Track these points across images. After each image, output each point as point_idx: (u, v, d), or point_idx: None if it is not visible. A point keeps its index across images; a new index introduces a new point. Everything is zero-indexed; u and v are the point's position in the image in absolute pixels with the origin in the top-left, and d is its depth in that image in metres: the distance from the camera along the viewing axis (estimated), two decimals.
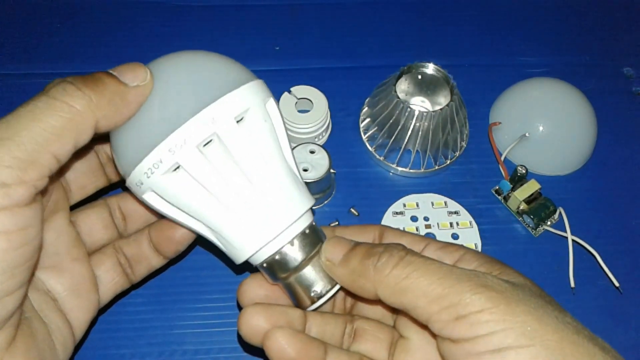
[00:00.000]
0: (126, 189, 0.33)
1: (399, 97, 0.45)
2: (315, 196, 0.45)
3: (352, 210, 0.46)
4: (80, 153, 0.32)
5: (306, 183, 0.43)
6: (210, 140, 0.29)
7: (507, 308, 0.25)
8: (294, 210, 0.31)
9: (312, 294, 0.31)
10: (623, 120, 0.52)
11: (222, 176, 0.29)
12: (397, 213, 0.46)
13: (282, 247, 0.31)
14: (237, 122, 0.30)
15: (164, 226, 0.35)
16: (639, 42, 0.57)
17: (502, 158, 0.48)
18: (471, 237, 0.45)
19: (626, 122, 0.52)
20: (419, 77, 0.48)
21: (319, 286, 0.31)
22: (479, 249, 0.44)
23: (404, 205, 0.46)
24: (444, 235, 0.45)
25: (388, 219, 0.45)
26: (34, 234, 0.27)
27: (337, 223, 0.45)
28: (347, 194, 0.47)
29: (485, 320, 0.25)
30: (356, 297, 0.33)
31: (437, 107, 0.47)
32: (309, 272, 0.31)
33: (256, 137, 0.30)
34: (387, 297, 0.28)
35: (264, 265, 0.31)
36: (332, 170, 0.44)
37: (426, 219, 0.45)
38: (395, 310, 0.33)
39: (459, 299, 0.25)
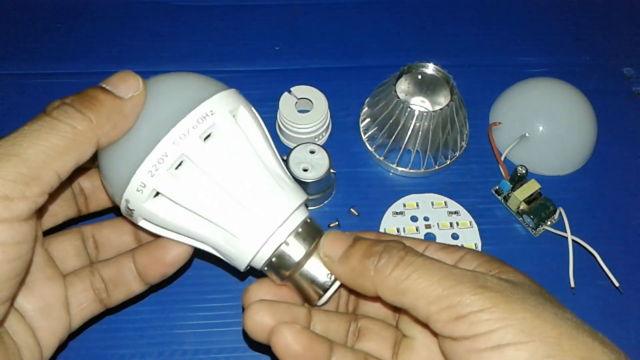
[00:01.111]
0: (108, 215, 0.33)
1: (399, 97, 0.45)
2: (315, 196, 0.45)
3: (352, 210, 0.46)
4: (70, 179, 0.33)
5: (306, 183, 0.43)
6: (182, 162, 0.30)
7: (507, 306, 0.25)
8: (288, 205, 0.31)
9: (319, 287, 0.32)
10: (623, 120, 0.52)
11: (199, 194, 0.30)
12: (397, 213, 0.46)
13: (282, 243, 0.31)
14: (205, 139, 0.30)
15: (153, 248, 0.35)
16: (639, 42, 0.57)
17: (502, 158, 0.48)
18: (471, 237, 0.45)
19: (626, 122, 0.52)
20: (419, 77, 0.48)
21: (324, 278, 0.32)
22: (479, 249, 0.44)
23: (404, 205, 0.46)
24: (444, 236, 0.45)
25: (388, 219, 0.45)
26: (27, 249, 0.27)
27: (337, 223, 0.45)
28: (347, 194, 0.47)
29: (485, 319, 0.25)
30: (356, 294, 0.33)
31: (437, 107, 0.47)
32: (313, 265, 0.32)
33: (227, 149, 0.30)
34: (387, 297, 0.28)
35: (271, 261, 0.31)
36: (332, 170, 0.44)
37: (426, 219, 0.45)
38: (396, 309, 0.33)
39: (458, 300, 0.26)
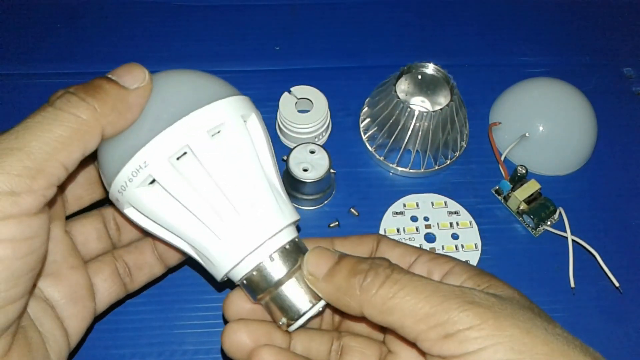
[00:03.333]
0: None
1: (399, 97, 0.45)
2: (315, 196, 0.45)
3: (352, 210, 0.46)
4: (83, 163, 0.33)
5: (306, 183, 0.43)
6: (184, 153, 0.29)
7: (496, 323, 0.25)
8: (272, 225, 0.30)
9: (292, 314, 0.30)
10: (623, 120, 0.52)
11: (194, 189, 0.29)
12: (397, 213, 0.46)
13: (260, 263, 0.30)
14: (212, 135, 0.30)
15: None
16: (639, 42, 0.57)
17: (502, 158, 0.48)
18: (471, 237, 0.45)
19: (626, 122, 0.52)
20: (419, 77, 0.48)
21: (298, 306, 0.30)
22: (479, 249, 0.44)
23: (404, 205, 0.46)
24: (444, 235, 0.45)
25: (388, 219, 0.45)
26: (39, 244, 0.27)
27: (337, 223, 0.45)
28: (347, 194, 0.47)
29: (474, 337, 0.25)
30: (341, 313, 0.33)
31: (437, 107, 0.47)
32: (289, 290, 0.30)
33: (232, 150, 0.30)
34: (374, 316, 0.28)
35: (244, 282, 0.31)
36: (332, 170, 0.44)
37: (426, 219, 0.45)
38: (382, 328, 0.32)
39: (446, 317, 0.25)
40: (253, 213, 0.30)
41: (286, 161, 0.44)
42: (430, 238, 0.45)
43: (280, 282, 0.30)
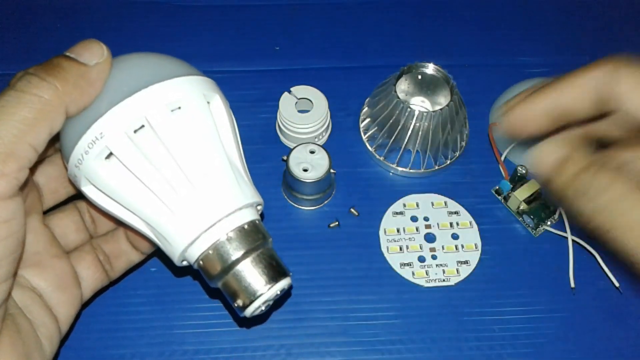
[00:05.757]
0: None
1: (399, 97, 0.45)
2: (315, 196, 0.45)
3: (352, 210, 0.46)
4: (44, 157, 0.33)
5: (306, 183, 0.43)
6: (142, 126, 0.29)
7: None
8: (229, 203, 0.30)
9: (248, 295, 0.30)
10: None
11: (150, 162, 0.29)
12: (397, 213, 0.46)
13: (217, 241, 0.30)
14: (172, 110, 0.30)
15: None
16: (638, 43, 0.57)
17: (502, 158, 0.48)
18: (471, 237, 0.45)
19: None
20: (419, 77, 0.48)
21: (254, 287, 0.30)
22: (479, 249, 0.44)
23: (404, 205, 0.46)
24: (444, 235, 0.45)
25: (388, 219, 0.45)
26: (17, 227, 0.27)
27: (337, 223, 0.45)
28: (347, 194, 0.47)
29: None
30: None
31: (437, 107, 0.47)
32: (245, 271, 0.30)
33: (191, 126, 0.30)
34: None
35: (201, 262, 0.30)
36: (332, 170, 0.44)
37: (426, 219, 0.45)
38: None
39: None
40: (210, 189, 0.29)
41: (286, 161, 0.44)
42: (430, 238, 0.45)
43: (236, 262, 0.30)
